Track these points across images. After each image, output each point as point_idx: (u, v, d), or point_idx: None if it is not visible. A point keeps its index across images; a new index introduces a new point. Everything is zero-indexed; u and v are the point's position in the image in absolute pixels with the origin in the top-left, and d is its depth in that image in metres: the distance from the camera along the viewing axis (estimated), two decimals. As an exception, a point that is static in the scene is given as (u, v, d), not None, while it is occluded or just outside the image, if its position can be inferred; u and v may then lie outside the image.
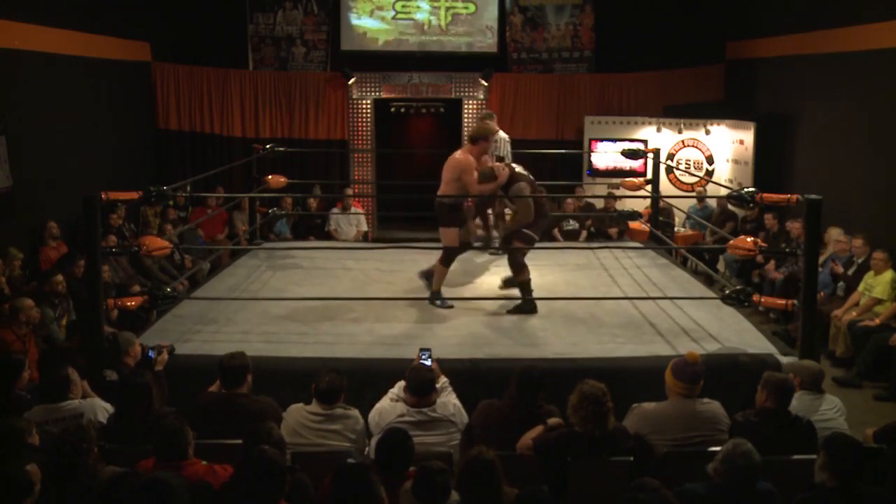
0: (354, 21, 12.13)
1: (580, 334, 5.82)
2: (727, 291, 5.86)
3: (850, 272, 7.69)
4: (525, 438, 3.93)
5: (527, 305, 6.27)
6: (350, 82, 11.88)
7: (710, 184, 10.62)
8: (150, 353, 4.98)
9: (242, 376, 4.31)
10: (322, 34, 12.33)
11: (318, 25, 12.32)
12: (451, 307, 6.34)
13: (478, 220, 7.27)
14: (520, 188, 6.32)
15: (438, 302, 6.38)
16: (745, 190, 5.94)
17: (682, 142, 11.46)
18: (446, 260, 6.36)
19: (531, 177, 6.48)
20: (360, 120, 12.14)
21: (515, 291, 6.46)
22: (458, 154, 6.31)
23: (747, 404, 4.54)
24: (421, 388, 4.21)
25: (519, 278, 6.32)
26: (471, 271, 7.43)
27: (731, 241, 5.89)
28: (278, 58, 12.37)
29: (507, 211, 6.60)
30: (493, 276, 7.21)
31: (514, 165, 6.53)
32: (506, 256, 6.66)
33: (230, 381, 4.30)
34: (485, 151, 6.41)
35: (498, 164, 6.50)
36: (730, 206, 9.73)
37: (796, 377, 4.45)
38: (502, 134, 7.82)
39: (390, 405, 4.26)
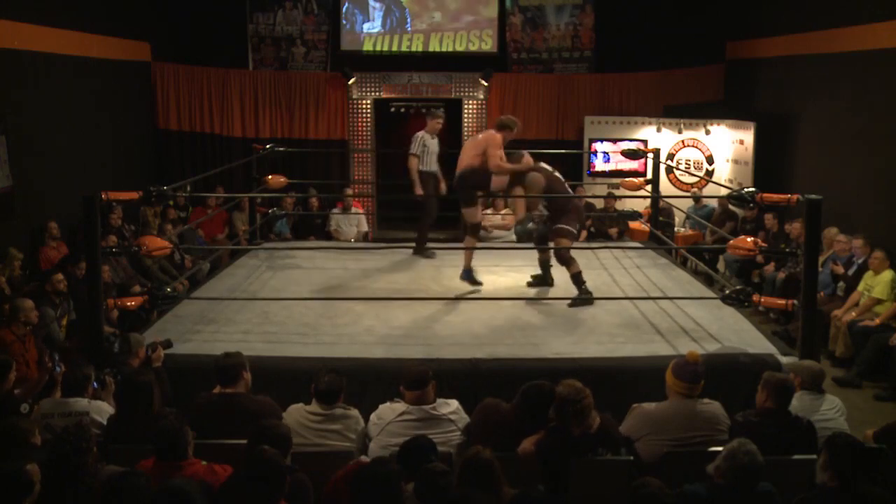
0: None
1: (580, 334, 5.81)
2: (727, 291, 5.86)
3: (850, 272, 7.68)
4: (526, 442, 3.92)
5: (584, 296, 6.37)
6: (350, 82, 11.88)
7: (710, 184, 10.62)
8: (147, 352, 4.98)
9: (238, 374, 4.31)
10: (322, 34, 12.34)
11: (318, 25, 12.33)
12: (481, 284, 6.69)
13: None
14: (532, 178, 6.49)
15: (470, 279, 6.72)
16: (746, 190, 5.94)
17: (682, 142, 11.46)
18: (472, 230, 6.74)
19: (556, 173, 6.68)
20: (360, 120, 12.14)
21: (515, 290, 6.45)
22: (488, 133, 6.62)
23: (747, 404, 4.54)
24: (417, 381, 4.20)
25: (571, 271, 6.46)
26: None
27: (731, 241, 5.89)
28: (278, 58, 12.38)
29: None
30: (494, 275, 7.21)
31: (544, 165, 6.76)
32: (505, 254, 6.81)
33: (225, 379, 4.30)
34: (507, 142, 6.62)
35: (524, 153, 6.74)
36: (730, 206, 9.73)
37: (796, 377, 4.45)
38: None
39: (390, 406, 4.26)
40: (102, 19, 10.12)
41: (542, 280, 6.94)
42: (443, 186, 8.14)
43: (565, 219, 6.51)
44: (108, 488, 3.12)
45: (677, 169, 11.20)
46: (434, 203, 8.02)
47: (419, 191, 7.82)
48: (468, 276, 6.78)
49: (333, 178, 11.98)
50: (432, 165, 7.85)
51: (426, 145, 7.82)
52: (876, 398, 6.58)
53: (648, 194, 8.75)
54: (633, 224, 9.86)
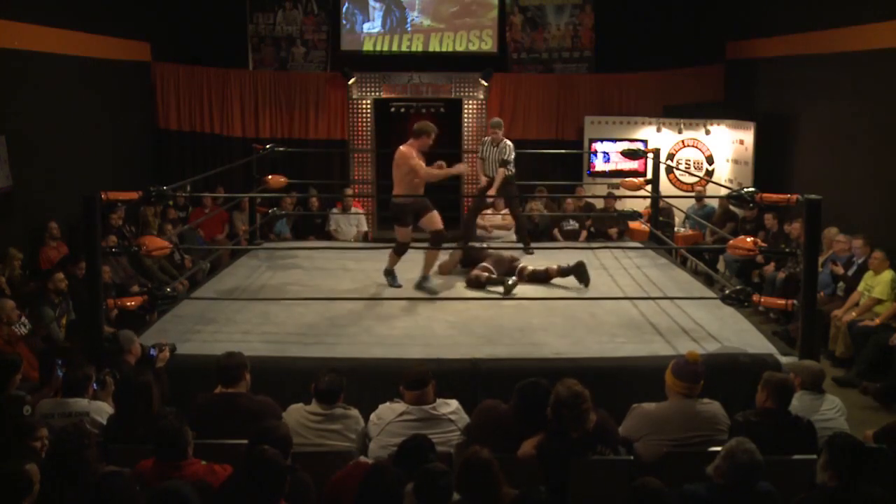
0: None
1: (580, 334, 5.81)
2: (727, 291, 5.86)
3: (850, 272, 7.68)
4: (527, 445, 3.91)
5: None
6: (350, 82, 11.88)
7: (710, 184, 10.62)
8: (152, 352, 4.99)
9: (239, 374, 4.31)
10: (322, 34, 12.34)
11: (318, 25, 12.33)
12: (400, 286, 6.86)
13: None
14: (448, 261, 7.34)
15: (389, 279, 6.98)
16: (745, 190, 5.94)
17: (682, 142, 11.46)
18: (398, 251, 6.93)
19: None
20: (360, 120, 12.14)
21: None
22: (402, 147, 6.75)
23: (747, 404, 4.54)
24: (417, 381, 4.20)
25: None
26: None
27: (731, 241, 5.89)
28: (278, 58, 12.38)
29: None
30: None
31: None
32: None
33: (227, 380, 4.31)
34: (425, 147, 6.78)
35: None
36: (730, 207, 9.73)
37: (796, 377, 4.45)
38: (507, 141, 8.17)
39: (390, 406, 4.26)
40: (102, 19, 10.12)
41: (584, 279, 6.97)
42: (498, 177, 8.26)
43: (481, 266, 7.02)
44: (95, 490, 3.11)
45: (677, 169, 11.20)
46: (479, 199, 8.44)
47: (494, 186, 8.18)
48: (386, 274, 6.98)
49: (333, 178, 11.98)
50: (490, 172, 8.17)
51: (481, 152, 8.21)
52: (863, 392, 6.49)
53: (648, 194, 8.75)
54: (633, 224, 9.86)
